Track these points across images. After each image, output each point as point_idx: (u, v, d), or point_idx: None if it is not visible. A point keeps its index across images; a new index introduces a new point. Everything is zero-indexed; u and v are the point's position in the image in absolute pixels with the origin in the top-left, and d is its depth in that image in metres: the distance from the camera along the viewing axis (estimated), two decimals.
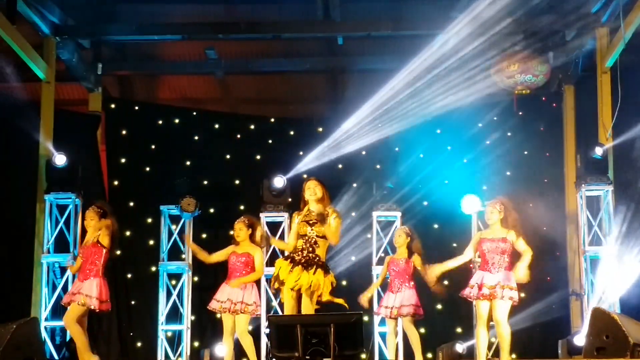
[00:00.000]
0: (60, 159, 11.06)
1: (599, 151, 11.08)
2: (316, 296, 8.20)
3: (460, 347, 10.72)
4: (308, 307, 8.18)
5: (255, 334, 10.50)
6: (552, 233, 12.12)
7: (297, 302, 8.31)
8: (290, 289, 8.20)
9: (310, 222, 8.24)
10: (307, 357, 7.14)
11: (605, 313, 8.78)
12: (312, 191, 8.31)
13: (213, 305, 9.09)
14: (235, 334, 9.06)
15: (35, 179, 11.47)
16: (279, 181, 11.42)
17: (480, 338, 8.45)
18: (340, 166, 12.80)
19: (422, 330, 10.77)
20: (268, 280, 10.86)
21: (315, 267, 8.18)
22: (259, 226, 9.39)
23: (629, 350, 8.12)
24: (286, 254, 8.36)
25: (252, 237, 9.19)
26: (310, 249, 8.22)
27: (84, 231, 9.38)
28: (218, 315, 9.42)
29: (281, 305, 9.32)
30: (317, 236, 8.22)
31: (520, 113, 12.77)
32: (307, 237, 8.24)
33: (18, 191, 11.82)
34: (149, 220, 12.34)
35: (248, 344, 9.05)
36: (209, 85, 13.79)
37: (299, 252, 8.23)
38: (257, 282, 9.37)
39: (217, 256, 9.34)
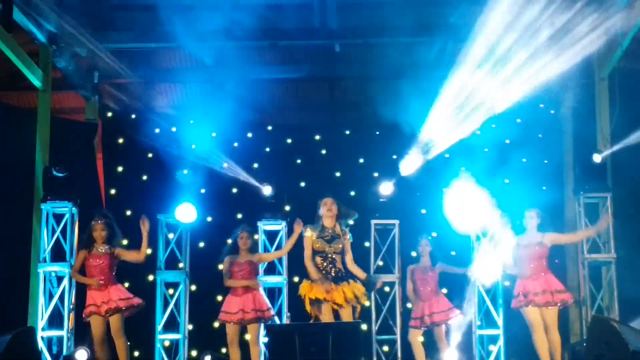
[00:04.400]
0: (60, 170, 11.00)
1: (597, 158, 11.05)
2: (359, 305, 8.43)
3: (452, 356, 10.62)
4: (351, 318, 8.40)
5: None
6: None
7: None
8: (339, 305, 8.36)
9: (327, 238, 8.52)
10: None
11: (604, 320, 8.75)
12: (329, 207, 8.62)
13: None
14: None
15: (32, 187, 11.42)
16: (268, 189, 11.40)
17: (540, 344, 9.19)
18: (337, 174, 12.80)
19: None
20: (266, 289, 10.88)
21: (346, 280, 8.43)
22: None
23: (629, 358, 8.07)
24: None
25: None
26: (332, 265, 8.45)
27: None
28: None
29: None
30: (334, 252, 8.48)
31: (519, 120, 12.75)
32: (325, 254, 8.50)
33: (14, 200, 11.77)
34: None
35: None
36: (206, 93, 13.73)
37: (322, 271, 8.45)
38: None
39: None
